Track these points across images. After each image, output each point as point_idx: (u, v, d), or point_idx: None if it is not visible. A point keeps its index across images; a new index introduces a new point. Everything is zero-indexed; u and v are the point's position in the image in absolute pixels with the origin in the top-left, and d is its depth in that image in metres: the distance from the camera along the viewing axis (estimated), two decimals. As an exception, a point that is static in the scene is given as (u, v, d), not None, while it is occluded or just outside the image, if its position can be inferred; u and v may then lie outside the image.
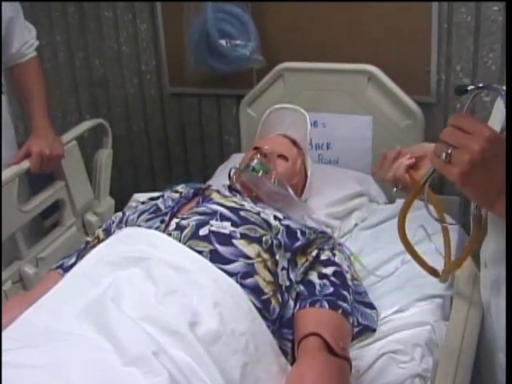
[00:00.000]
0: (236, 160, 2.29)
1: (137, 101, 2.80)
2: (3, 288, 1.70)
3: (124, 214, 1.68)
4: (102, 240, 1.61)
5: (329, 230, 1.83)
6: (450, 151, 0.86)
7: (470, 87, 0.93)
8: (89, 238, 1.69)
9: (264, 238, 1.42)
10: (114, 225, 1.65)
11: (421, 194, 1.05)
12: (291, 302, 1.40)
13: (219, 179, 2.16)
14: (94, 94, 2.89)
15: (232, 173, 1.80)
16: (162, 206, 1.57)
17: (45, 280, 1.58)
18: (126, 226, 1.56)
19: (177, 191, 1.73)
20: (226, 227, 1.41)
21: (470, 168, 0.85)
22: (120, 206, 2.17)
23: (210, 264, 1.30)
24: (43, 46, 2.78)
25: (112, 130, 2.17)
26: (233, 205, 1.53)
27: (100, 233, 1.67)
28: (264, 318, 1.29)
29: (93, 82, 2.86)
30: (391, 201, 2.09)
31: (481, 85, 0.94)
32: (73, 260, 1.60)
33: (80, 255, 1.60)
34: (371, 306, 1.50)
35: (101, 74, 2.83)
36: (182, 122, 2.76)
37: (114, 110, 2.87)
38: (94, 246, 1.61)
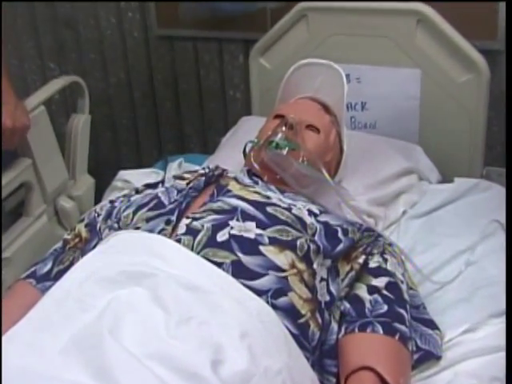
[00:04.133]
0: (246, 126, 2.24)
1: (115, 45, 2.74)
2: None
3: (112, 204, 1.63)
4: (86, 239, 1.57)
5: (371, 221, 1.78)
6: None
7: None
8: (67, 236, 1.63)
9: (298, 242, 1.36)
10: (101, 219, 1.59)
11: None
12: (334, 325, 1.36)
13: (226, 153, 2.11)
14: (60, 36, 2.82)
15: (248, 149, 1.73)
16: (164, 200, 1.50)
17: (13, 293, 1.53)
18: (118, 224, 1.49)
19: (182, 177, 1.66)
20: (251, 229, 1.35)
21: None
22: (101, 185, 2.12)
23: (233, 280, 1.24)
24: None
25: (84, 82, 2.10)
26: (257, 198, 1.46)
27: (82, 230, 1.61)
28: (302, 347, 1.25)
29: (58, 21, 2.78)
30: (447, 179, 2.03)
31: None
32: (48, 266, 1.55)
33: (57, 260, 1.56)
34: (432, 325, 1.45)
35: (68, 12, 2.74)
36: (173, 72, 2.71)
37: (85, 56, 2.80)
38: (75, 247, 1.58)
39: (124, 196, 1.66)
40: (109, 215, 1.57)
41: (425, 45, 2.08)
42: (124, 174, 2.08)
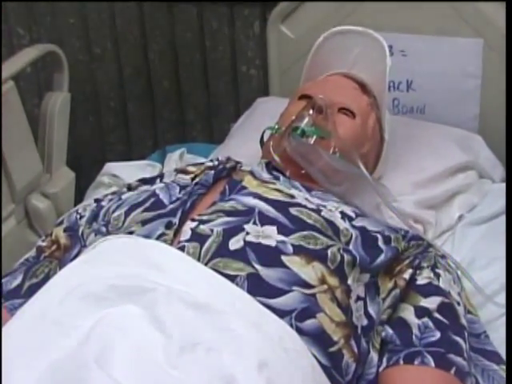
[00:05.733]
0: (263, 109, 2.25)
1: (100, 9, 2.75)
2: None
3: (99, 203, 1.64)
4: (65, 247, 1.58)
5: (419, 227, 1.79)
6: None
7: None
8: (42, 243, 1.64)
9: (329, 252, 1.37)
10: (84, 222, 1.60)
11: None
12: (373, 354, 1.36)
13: (238, 142, 2.12)
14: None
15: (266, 137, 1.74)
16: (164, 198, 1.52)
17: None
18: (107, 228, 1.51)
19: (185, 171, 1.67)
20: (271, 235, 1.36)
21: None
22: (83, 181, 2.13)
23: (249, 298, 1.25)
24: None
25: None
26: (278, 197, 1.48)
27: (60, 235, 1.62)
28: (333, 381, 1.25)
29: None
30: (513, 176, 2.04)
31: None
32: (18, 280, 1.55)
33: (29, 272, 1.57)
34: (497, 358, 1.45)
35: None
36: (172, 42, 2.71)
37: (63, 22, 2.81)
38: (51, 256, 1.59)
39: (113, 194, 1.68)
40: (94, 217, 1.58)
41: (489, 9, 2.09)
42: (112, 167, 2.09)
